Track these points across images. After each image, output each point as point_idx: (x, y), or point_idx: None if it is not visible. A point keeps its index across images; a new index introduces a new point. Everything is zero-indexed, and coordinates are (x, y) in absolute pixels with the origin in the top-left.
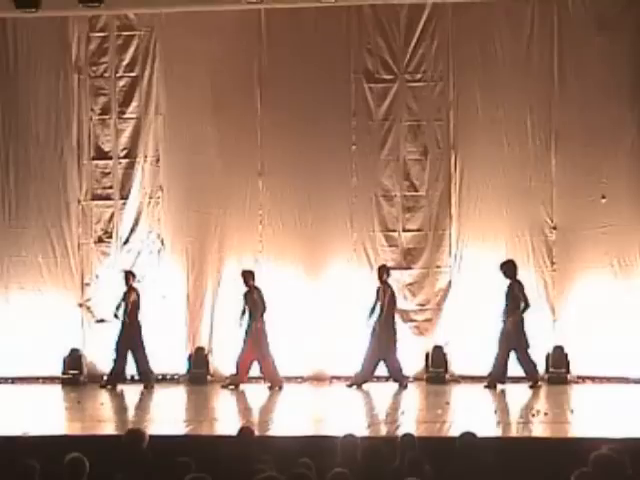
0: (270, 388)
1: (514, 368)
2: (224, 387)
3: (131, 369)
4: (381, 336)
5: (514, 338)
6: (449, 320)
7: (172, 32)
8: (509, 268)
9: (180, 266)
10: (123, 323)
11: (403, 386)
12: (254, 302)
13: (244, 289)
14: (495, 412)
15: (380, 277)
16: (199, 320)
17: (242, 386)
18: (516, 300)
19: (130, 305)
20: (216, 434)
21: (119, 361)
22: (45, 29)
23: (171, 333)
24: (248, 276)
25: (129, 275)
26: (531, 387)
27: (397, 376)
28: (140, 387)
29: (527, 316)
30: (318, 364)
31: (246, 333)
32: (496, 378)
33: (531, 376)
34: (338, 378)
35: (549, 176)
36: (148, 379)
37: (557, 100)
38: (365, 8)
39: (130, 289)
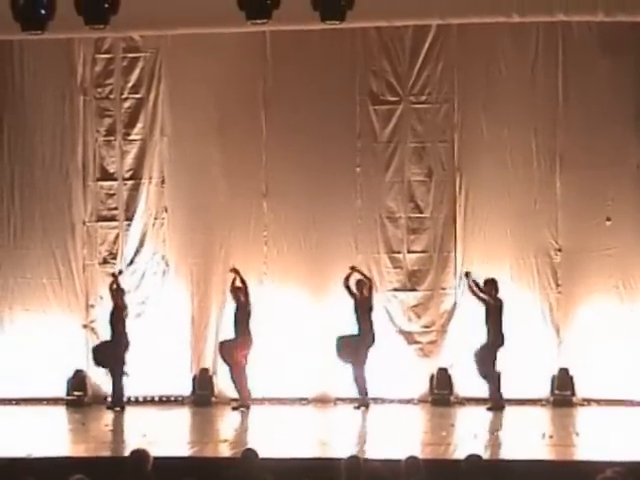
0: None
1: (521, 390)
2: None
3: (132, 390)
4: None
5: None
6: (454, 342)
7: (177, 54)
8: (493, 287)
9: (185, 287)
10: (112, 338)
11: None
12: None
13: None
14: (500, 434)
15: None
16: (204, 341)
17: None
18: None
19: (116, 316)
20: (220, 456)
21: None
22: (51, 51)
23: (175, 354)
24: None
25: (116, 278)
26: (489, 409)
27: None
28: (144, 409)
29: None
30: (322, 386)
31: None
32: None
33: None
34: (342, 400)
35: (554, 198)
36: (117, 402)
37: (562, 122)
38: (370, 30)
39: (116, 293)
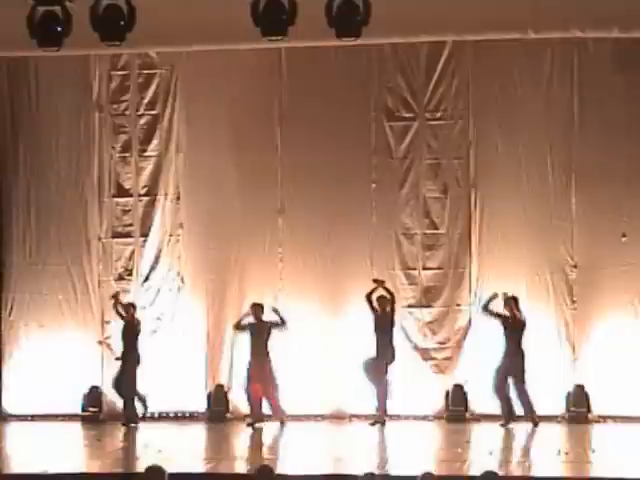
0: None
1: (536, 406)
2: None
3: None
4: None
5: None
6: (469, 358)
7: (193, 70)
8: (514, 305)
9: (200, 303)
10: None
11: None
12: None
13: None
14: (515, 451)
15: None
16: (219, 357)
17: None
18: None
19: (127, 333)
20: (235, 472)
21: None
22: (67, 67)
23: (191, 370)
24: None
25: (129, 307)
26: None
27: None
28: (159, 424)
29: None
30: (338, 402)
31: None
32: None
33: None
34: (358, 416)
35: (569, 214)
36: (130, 420)
37: (577, 138)
38: (385, 47)
39: (129, 320)
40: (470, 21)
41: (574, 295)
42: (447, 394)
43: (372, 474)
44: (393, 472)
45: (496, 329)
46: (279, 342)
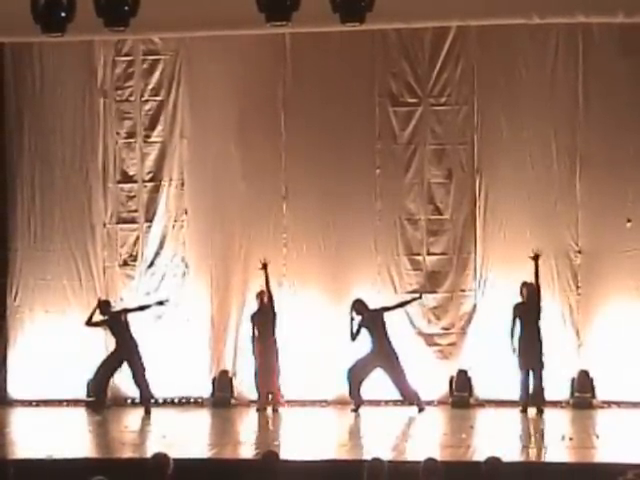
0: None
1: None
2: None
3: (152, 391)
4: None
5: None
6: (474, 344)
7: (197, 56)
8: (529, 291)
9: (204, 289)
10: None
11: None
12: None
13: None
14: (520, 436)
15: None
16: (223, 343)
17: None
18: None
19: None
20: (240, 458)
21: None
22: (71, 53)
23: (195, 356)
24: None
25: (103, 305)
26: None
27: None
28: (164, 410)
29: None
30: (341, 388)
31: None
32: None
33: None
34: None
35: (574, 199)
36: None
37: (582, 124)
38: (389, 32)
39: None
40: (474, 6)
41: (579, 280)
42: (451, 380)
43: (380, 460)
44: (397, 458)
45: (501, 315)
46: (283, 327)
